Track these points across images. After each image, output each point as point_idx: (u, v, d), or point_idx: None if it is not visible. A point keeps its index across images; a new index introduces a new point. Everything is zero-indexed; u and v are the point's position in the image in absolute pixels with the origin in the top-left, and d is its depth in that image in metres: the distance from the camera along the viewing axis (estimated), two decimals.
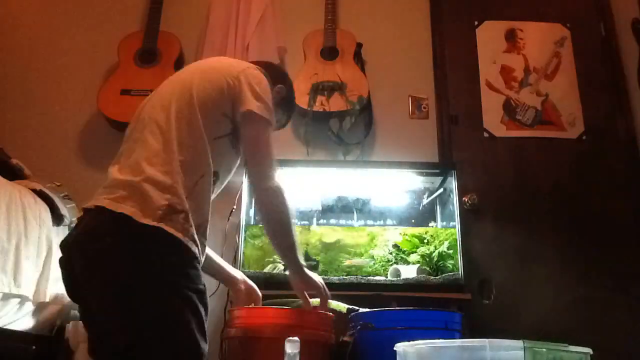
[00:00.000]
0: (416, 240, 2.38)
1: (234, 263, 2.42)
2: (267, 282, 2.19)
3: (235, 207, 2.52)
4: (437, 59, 3.00)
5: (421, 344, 1.27)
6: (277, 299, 1.99)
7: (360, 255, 2.35)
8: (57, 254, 2.03)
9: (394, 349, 1.34)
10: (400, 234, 2.39)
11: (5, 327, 1.77)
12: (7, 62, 2.97)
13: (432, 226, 2.54)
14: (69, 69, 2.96)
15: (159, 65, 2.76)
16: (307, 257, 2.34)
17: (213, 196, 1.51)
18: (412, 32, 3.05)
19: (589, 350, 1.22)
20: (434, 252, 2.34)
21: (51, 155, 2.77)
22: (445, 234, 2.37)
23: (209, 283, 2.53)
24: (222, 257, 2.51)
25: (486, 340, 1.15)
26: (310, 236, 2.38)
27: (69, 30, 3.04)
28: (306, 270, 1.65)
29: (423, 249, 2.36)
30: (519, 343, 1.14)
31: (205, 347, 1.32)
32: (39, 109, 2.88)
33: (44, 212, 1.98)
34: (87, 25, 3.05)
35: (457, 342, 1.23)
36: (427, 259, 2.34)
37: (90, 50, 2.99)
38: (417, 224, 2.58)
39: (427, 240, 2.38)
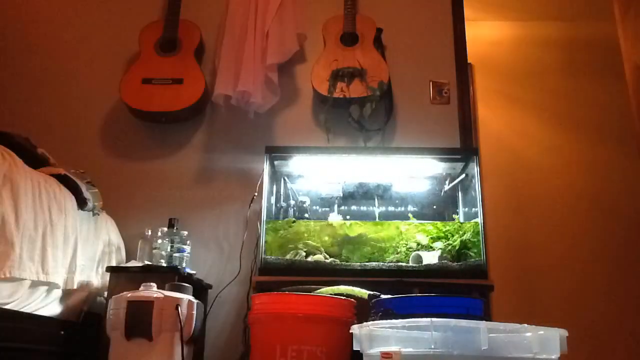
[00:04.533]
0: (440, 232, 2.36)
1: (256, 250, 2.45)
2: (289, 268, 2.21)
3: (256, 194, 2.54)
4: (458, 43, 2.96)
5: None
6: (298, 285, 2.00)
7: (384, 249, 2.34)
8: (82, 241, 2.08)
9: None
10: (423, 231, 2.36)
11: (33, 313, 1.81)
12: (29, 54, 3.01)
13: (456, 214, 2.52)
14: (91, 59, 2.99)
15: (180, 54, 2.78)
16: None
17: None
18: (432, 17, 3.02)
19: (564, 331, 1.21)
20: (456, 239, 2.32)
21: (75, 144, 2.81)
22: (468, 226, 2.34)
23: (231, 269, 2.59)
24: (243, 244, 2.56)
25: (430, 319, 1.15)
26: (333, 230, 2.36)
27: (90, 20, 3.06)
28: None
29: (446, 240, 2.34)
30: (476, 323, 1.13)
31: None
32: (62, 100, 2.92)
33: (69, 200, 2.02)
34: (108, 15, 3.07)
35: (401, 322, 1.22)
36: (450, 246, 2.32)
37: (111, 39, 3.02)
38: (438, 210, 2.57)
39: (451, 233, 2.36)
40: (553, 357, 1.18)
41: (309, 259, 2.27)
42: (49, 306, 1.91)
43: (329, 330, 1.59)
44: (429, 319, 1.15)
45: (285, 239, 2.33)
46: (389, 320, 1.26)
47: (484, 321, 1.18)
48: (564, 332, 1.20)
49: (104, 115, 2.88)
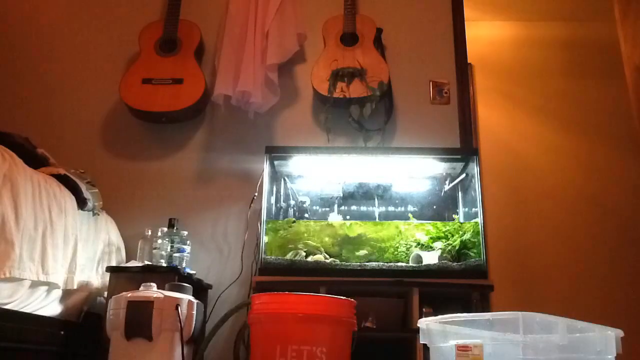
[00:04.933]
0: (439, 232, 2.36)
1: (256, 249, 2.44)
2: (289, 268, 2.21)
3: (256, 194, 2.54)
4: (458, 43, 2.96)
5: (446, 318, 1.24)
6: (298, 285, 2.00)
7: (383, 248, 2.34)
8: (82, 241, 2.08)
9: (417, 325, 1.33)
10: (423, 230, 2.35)
11: (33, 313, 1.81)
12: (29, 54, 3.01)
13: (456, 214, 2.51)
14: (91, 59, 2.99)
15: (180, 54, 2.77)
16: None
17: None
18: (432, 17, 3.02)
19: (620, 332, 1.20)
20: (456, 239, 2.32)
21: (75, 144, 2.81)
22: (468, 226, 2.34)
23: (231, 269, 2.58)
24: (244, 244, 2.56)
25: (519, 313, 1.12)
26: (333, 230, 2.36)
27: (91, 21, 3.06)
28: None
29: (446, 240, 2.34)
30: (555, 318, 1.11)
31: None
32: (62, 100, 2.92)
33: (69, 200, 2.02)
34: (108, 15, 3.07)
35: (487, 315, 1.20)
36: (450, 246, 2.32)
37: (111, 40, 3.02)
38: (438, 210, 2.57)
39: (451, 233, 2.35)
40: (609, 357, 1.17)
41: (309, 259, 2.27)
42: (49, 306, 1.90)
43: (329, 330, 1.58)
44: (519, 313, 1.11)
45: (286, 239, 2.33)
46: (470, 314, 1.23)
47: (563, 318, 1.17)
48: (619, 333, 1.19)
49: (104, 115, 2.88)
